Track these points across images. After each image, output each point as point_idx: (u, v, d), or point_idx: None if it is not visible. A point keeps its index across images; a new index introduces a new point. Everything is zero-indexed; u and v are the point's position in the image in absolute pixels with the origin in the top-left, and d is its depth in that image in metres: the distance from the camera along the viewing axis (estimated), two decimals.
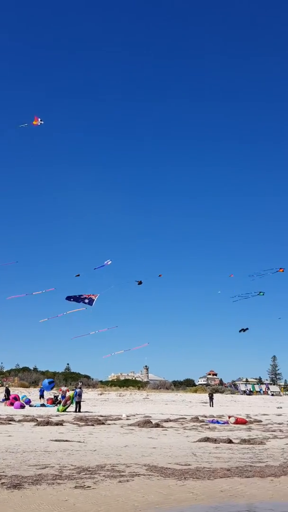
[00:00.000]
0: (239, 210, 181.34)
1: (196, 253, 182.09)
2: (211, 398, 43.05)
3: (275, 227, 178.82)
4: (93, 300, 26.72)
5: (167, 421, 23.34)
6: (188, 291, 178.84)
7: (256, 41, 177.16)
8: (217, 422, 23.39)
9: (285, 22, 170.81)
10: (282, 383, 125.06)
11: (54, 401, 38.58)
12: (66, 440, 15.01)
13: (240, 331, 35.92)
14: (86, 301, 26.60)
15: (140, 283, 33.77)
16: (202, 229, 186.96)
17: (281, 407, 43.91)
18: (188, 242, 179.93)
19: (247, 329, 36.13)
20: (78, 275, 30.94)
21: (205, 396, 56.02)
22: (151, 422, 21.40)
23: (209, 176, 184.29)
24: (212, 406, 41.02)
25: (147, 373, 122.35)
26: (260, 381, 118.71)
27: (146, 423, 20.96)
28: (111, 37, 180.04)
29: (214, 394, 47.17)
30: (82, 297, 26.83)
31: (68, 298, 27.35)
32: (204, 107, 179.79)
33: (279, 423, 24.00)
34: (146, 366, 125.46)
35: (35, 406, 37.10)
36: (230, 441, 15.45)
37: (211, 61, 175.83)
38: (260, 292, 35.60)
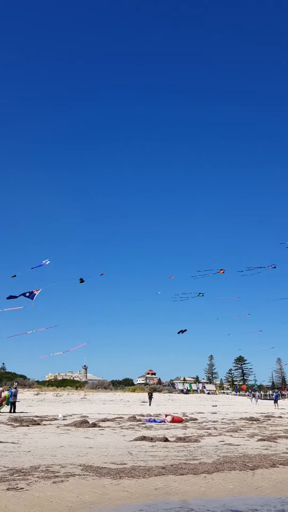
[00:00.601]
0: (179, 211, 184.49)
1: (137, 254, 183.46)
2: (150, 397, 43.46)
3: (216, 228, 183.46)
4: (35, 294, 26.13)
5: (104, 421, 23.28)
6: (128, 292, 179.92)
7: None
8: (154, 421, 23.65)
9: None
10: (218, 382, 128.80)
11: None
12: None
13: (178, 332, 36.52)
14: (27, 294, 25.95)
15: (82, 281, 33.46)
16: (143, 229, 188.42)
17: (216, 405, 45.15)
18: (128, 242, 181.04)
19: (185, 330, 36.79)
20: (15, 276, 30.05)
21: (143, 396, 56.48)
22: (88, 422, 21.25)
23: (151, 176, 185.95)
24: (150, 405, 41.44)
25: (86, 373, 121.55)
26: (197, 380, 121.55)
27: (83, 423, 20.79)
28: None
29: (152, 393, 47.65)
30: (24, 294, 26.16)
31: (10, 297, 26.55)
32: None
33: (213, 421, 24.65)
34: (84, 366, 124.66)
35: None
36: (166, 440, 15.65)
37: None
38: (199, 293, 36.40)
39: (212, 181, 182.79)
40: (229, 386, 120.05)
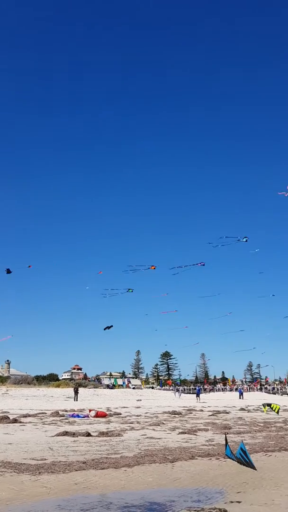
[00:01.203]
0: (109, 208, 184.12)
1: (66, 249, 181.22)
2: (76, 392, 43.12)
3: (147, 225, 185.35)
4: None
5: (26, 416, 22.74)
6: (55, 285, 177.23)
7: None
8: (78, 416, 23.48)
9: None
10: (144, 377, 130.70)
11: None
12: None
13: (104, 328, 36.55)
14: None
15: (8, 271, 32.50)
16: (73, 227, 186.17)
17: (140, 400, 45.72)
18: (57, 237, 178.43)
19: (111, 326, 36.91)
20: None
21: (68, 391, 55.88)
22: (9, 417, 20.64)
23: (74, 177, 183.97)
24: (77, 400, 41.11)
25: (9, 368, 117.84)
26: (123, 375, 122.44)
27: (3, 418, 20.17)
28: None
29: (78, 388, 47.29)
30: None
31: None
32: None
33: (137, 415, 24.95)
34: (8, 360, 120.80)
35: None
36: (88, 434, 15.60)
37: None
38: (129, 289, 36.66)
39: (139, 180, 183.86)
40: (154, 381, 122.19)
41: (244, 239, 27.69)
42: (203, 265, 32.69)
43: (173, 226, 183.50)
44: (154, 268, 34.93)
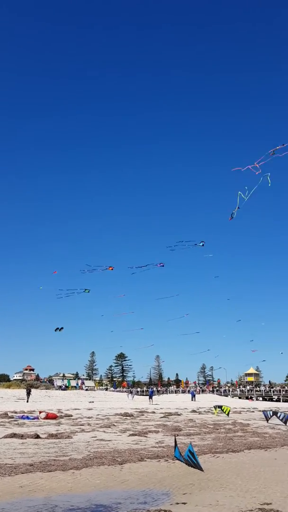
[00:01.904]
0: (63, 211, 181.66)
1: (20, 250, 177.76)
2: (28, 394, 42.29)
3: (103, 226, 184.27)
4: None
5: None
6: (8, 285, 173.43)
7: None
8: (27, 417, 23.02)
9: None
10: (98, 378, 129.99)
11: None
12: None
13: (55, 330, 36.09)
14: None
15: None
16: (30, 229, 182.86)
17: (93, 402, 45.41)
18: (10, 234, 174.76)
19: (62, 328, 36.48)
20: None
21: (18, 392, 54.74)
22: None
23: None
24: (28, 401, 40.29)
25: None
26: (76, 377, 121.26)
27: None
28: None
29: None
30: None
31: None
32: None
33: (88, 417, 24.75)
34: None
35: None
36: (37, 436, 15.32)
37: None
38: (86, 289, 36.34)
39: (99, 183, 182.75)
40: (108, 383, 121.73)
41: (201, 244, 28.09)
42: (163, 266, 32.88)
43: (133, 228, 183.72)
44: (112, 269, 34.81)
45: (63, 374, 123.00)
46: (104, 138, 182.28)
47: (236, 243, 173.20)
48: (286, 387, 77.05)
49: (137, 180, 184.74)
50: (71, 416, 25.28)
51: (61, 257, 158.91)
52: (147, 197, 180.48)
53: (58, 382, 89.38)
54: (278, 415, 24.59)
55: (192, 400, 54.76)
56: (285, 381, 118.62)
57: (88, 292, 36.54)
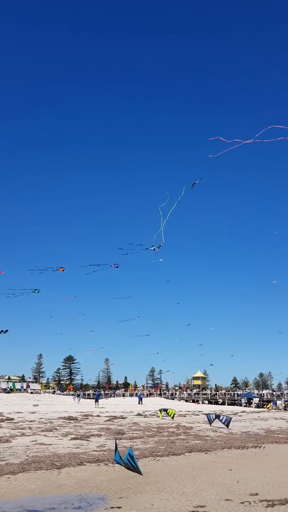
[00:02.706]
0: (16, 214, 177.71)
1: None
2: None
3: (56, 228, 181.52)
4: None
5: None
6: None
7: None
8: None
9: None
10: (45, 381, 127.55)
11: None
12: None
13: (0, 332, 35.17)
14: None
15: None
16: None
17: (37, 405, 44.45)
18: None
19: (6, 331, 35.58)
20: None
21: None
22: None
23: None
24: None
25: None
26: (22, 379, 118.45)
27: None
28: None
29: None
30: None
31: None
32: None
33: (31, 421, 24.18)
34: None
35: None
36: None
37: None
38: (35, 290, 35.58)
39: (52, 185, 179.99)
40: (55, 386, 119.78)
41: (152, 248, 28.20)
42: (117, 266, 32.70)
43: (85, 229, 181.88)
44: (63, 270, 34.28)
45: (8, 377, 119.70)
46: (60, 139, 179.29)
47: (186, 247, 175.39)
48: (231, 391, 78.84)
49: (92, 182, 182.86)
50: (13, 419, 24.61)
51: (7, 257, 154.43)
52: (100, 197, 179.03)
53: (3, 385, 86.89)
54: (221, 418, 25.07)
55: (139, 403, 54.82)
56: (231, 384, 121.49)
57: (38, 292, 35.84)
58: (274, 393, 66.99)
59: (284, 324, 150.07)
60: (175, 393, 78.78)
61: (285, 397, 59.54)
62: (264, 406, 54.77)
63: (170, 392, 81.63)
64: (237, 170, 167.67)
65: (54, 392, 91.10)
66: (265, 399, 60.87)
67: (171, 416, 28.90)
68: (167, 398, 72.53)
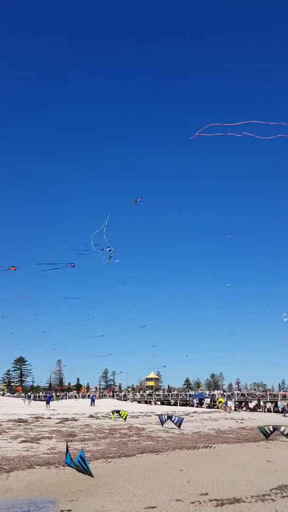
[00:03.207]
0: None
1: None
2: None
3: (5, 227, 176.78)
4: None
5: None
6: None
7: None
8: None
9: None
10: None
11: None
12: None
13: None
14: None
15: None
16: None
17: None
18: None
19: None
20: None
21: None
22: None
23: None
24: None
25: None
26: None
27: None
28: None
29: None
30: None
31: None
32: None
33: None
34: None
35: None
36: None
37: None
38: None
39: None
40: (5, 387, 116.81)
41: (108, 249, 28.09)
42: (73, 266, 32.27)
43: (42, 230, 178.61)
44: (15, 269, 33.52)
45: None
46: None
47: (141, 249, 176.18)
48: (183, 391, 79.77)
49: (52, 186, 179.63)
50: None
51: None
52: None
53: None
54: (173, 419, 25.29)
55: (91, 405, 54.40)
56: (184, 385, 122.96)
57: None
58: (225, 393, 68.43)
59: (235, 325, 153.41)
60: (128, 395, 78.86)
61: (236, 397, 60.98)
62: (215, 406, 55.67)
63: (123, 393, 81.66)
64: (193, 171, 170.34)
65: (3, 394, 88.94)
66: (216, 400, 62.05)
67: (124, 417, 28.88)
68: (120, 399, 72.48)
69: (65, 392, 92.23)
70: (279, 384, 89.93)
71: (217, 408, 52.38)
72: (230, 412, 43.95)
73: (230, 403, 56.18)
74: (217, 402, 54.86)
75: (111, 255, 27.55)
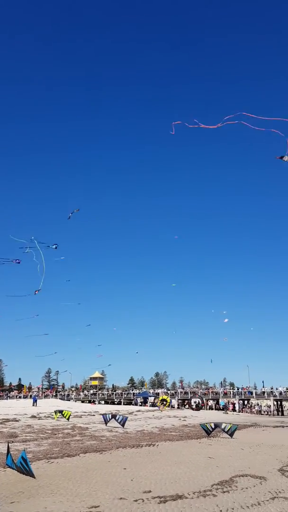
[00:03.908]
0: None
1: None
2: None
3: None
4: None
5: None
6: None
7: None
8: None
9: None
10: None
11: None
12: None
13: None
14: None
15: None
16: None
17: None
18: None
19: None
20: None
21: None
22: None
23: None
24: None
25: None
26: None
27: None
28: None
29: None
30: None
31: None
32: None
33: None
34: None
35: None
36: None
37: None
38: None
39: None
40: None
41: (54, 246, 27.68)
42: (19, 262, 31.43)
43: None
44: None
45: None
46: None
47: (87, 247, 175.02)
48: (127, 390, 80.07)
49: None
50: None
51: None
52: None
53: None
54: (117, 418, 25.31)
55: (33, 405, 53.35)
56: (128, 384, 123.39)
57: None
58: (169, 391, 69.36)
59: (179, 324, 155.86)
60: (72, 394, 78.03)
61: (179, 395, 61.97)
62: (157, 405, 56.24)
63: (67, 393, 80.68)
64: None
65: None
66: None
67: (67, 417, 28.56)
68: (63, 399, 71.55)
69: (6, 392, 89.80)
70: (221, 382, 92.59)
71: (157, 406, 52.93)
72: (162, 411, 44.47)
73: (174, 402, 57.03)
74: (158, 403, 55.39)
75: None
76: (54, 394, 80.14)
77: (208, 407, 57.26)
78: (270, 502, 8.37)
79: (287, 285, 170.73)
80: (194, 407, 54.29)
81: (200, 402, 56.34)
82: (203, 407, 55.62)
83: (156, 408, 51.79)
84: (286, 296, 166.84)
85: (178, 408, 55.20)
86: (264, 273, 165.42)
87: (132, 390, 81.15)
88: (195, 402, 55.96)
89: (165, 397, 56.88)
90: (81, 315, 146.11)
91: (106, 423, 25.57)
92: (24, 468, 10.13)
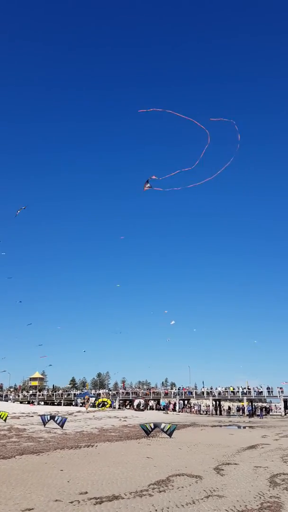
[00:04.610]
0: None
1: None
2: None
3: None
4: None
5: None
6: None
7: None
8: None
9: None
10: None
11: None
12: None
13: None
14: None
15: None
16: None
17: None
18: None
19: None
20: None
21: None
22: None
23: None
24: None
25: None
26: None
27: None
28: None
29: None
30: None
31: None
32: None
33: None
34: None
35: None
36: None
37: None
38: None
39: None
40: None
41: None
42: None
43: None
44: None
45: None
46: None
47: (28, 245, 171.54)
48: (68, 391, 79.04)
49: None
50: None
51: None
52: None
53: None
54: (56, 419, 24.89)
55: None
56: (69, 385, 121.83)
57: None
58: (110, 392, 69.21)
59: (123, 324, 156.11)
60: (10, 395, 75.94)
61: (120, 396, 62.00)
62: (99, 406, 55.94)
63: (5, 393, 78.41)
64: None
65: None
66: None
67: (4, 418, 27.77)
68: (1, 400, 69.48)
69: None
70: (162, 382, 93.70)
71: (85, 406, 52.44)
72: (88, 412, 44.24)
73: (115, 404, 56.91)
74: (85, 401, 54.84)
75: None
76: None
77: (149, 407, 57.66)
78: (204, 500, 8.53)
79: (229, 287, 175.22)
80: (135, 407, 54.49)
81: (143, 402, 56.63)
82: (144, 408, 55.95)
83: (97, 409, 51.47)
84: (227, 298, 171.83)
85: (119, 408, 55.21)
86: (203, 274, 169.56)
87: (73, 391, 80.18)
88: (137, 403, 56.17)
89: (105, 399, 56.68)
90: (22, 313, 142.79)
91: (44, 424, 25.08)
92: None
